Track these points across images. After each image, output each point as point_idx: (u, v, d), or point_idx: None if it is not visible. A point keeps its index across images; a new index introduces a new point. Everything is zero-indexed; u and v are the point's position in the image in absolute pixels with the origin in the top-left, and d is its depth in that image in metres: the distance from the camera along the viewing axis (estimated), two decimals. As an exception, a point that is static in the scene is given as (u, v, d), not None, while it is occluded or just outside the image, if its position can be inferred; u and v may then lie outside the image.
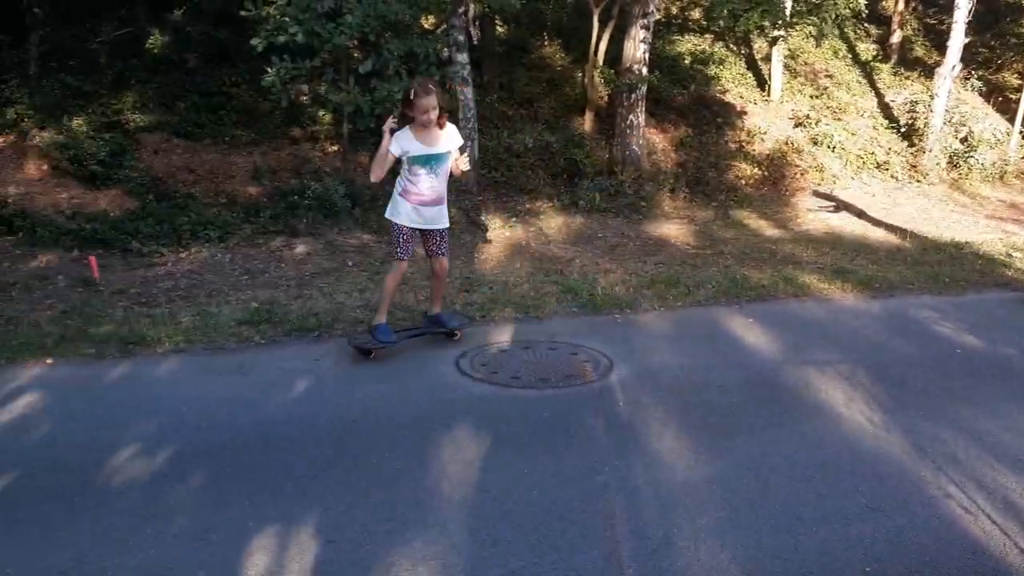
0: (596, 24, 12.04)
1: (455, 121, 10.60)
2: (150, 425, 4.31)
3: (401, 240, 5.29)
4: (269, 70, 8.54)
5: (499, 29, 13.93)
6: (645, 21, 11.47)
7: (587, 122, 12.42)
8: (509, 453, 4.01)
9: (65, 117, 10.04)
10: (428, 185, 5.19)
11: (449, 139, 5.21)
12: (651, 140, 12.46)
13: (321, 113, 10.92)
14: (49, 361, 5.25)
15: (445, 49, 10.22)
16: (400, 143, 5.07)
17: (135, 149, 10.03)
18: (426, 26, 11.59)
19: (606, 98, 12.71)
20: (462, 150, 5.32)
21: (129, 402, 4.65)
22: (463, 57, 10.27)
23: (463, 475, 3.77)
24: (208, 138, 10.65)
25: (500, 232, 9.20)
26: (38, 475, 3.77)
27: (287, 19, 8.36)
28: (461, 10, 10.18)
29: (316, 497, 3.57)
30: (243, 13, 8.54)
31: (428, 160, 5.14)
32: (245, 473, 3.81)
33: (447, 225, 5.41)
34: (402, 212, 5.25)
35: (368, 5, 8.46)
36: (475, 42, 11.07)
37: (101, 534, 3.28)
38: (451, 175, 5.36)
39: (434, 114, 5.00)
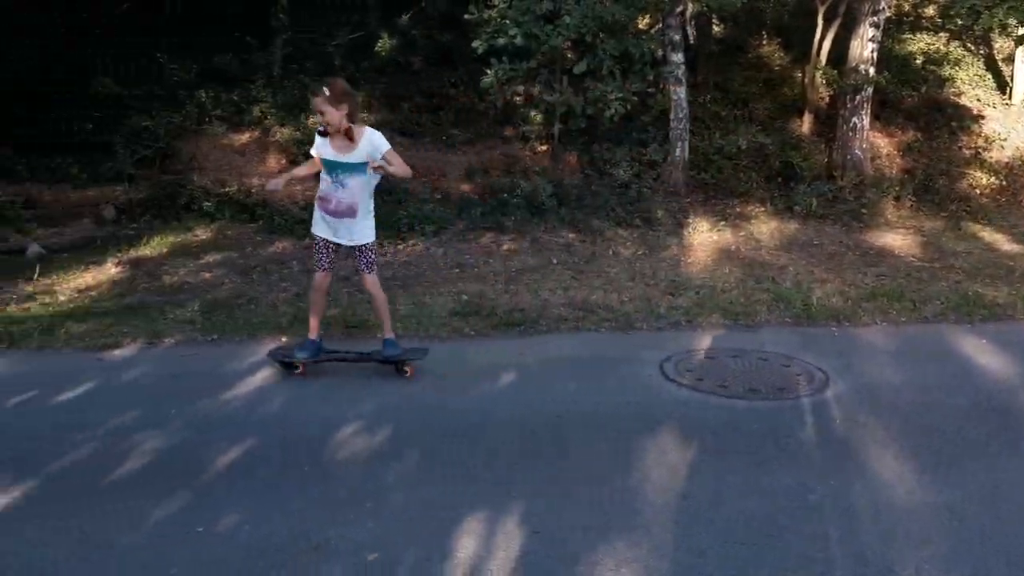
0: (820, 22, 11.49)
1: (665, 121, 10.60)
2: (368, 405, 4.59)
3: (315, 250, 5.07)
4: (488, 72, 8.83)
5: (715, 28, 13.62)
6: (875, 19, 10.81)
7: (805, 124, 11.88)
8: (716, 463, 3.92)
9: (302, 115, 10.86)
10: (334, 195, 4.82)
11: (362, 150, 4.72)
12: (875, 144, 11.73)
13: (532, 113, 11.14)
14: (283, 339, 5.70)
15: (660, 49, 10.13)
16: (317, 143, 4.85)
17: (362, 146, 10.69)
18: (640, 26, 11.53)
19: (827, 99, 12.09)
20: (390, 157, 4.73)
21: (351, 382, 4.97)
22: (678, 57, 10.13)
23: (667, 481, 3.73)
24: (427, 137, 11.17)
25: (708, 235, 9.00)
26: (273, 446, 4.10)
27: (507, 22, 8.61)
28: (679, 9, 10.04)
29: (521, 488, 3.65)
30: (467, 16, 8.89)
31: (331, 168, 4.79)
32: (454, 458, 3.96)
33: (364, 242, 4.94)
34: (316, 220, 5.01)
35: (586, 6, 8.55)
36: (691, 41, 10.88)
37: (326, 506, 3.52)
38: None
39: (322, 117, 4.69)
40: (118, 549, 3.16)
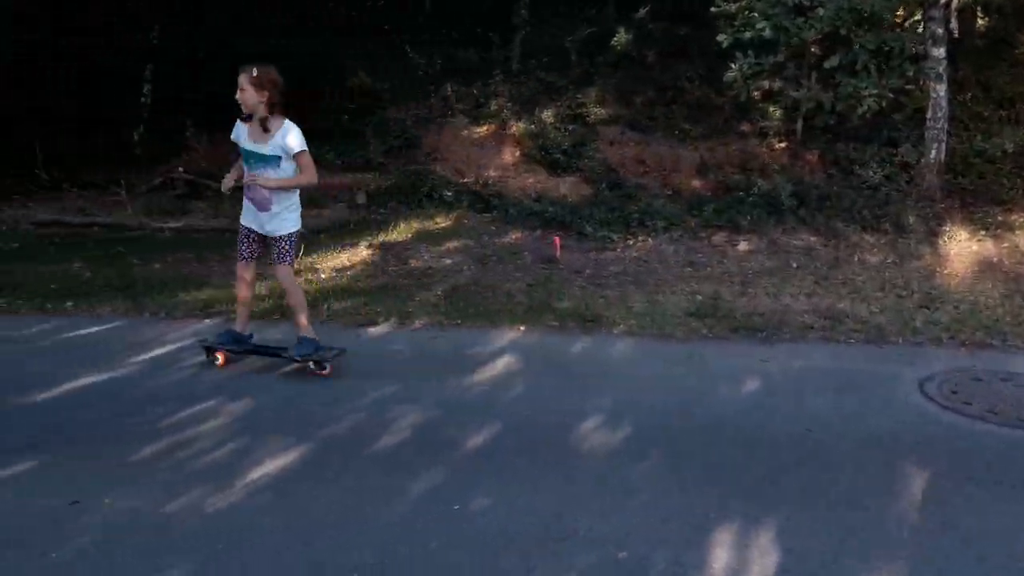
0: (1110, 12, 10.24)
1: (920, 121, 9.82)
2: (607, 399, 4.60)
3: (238, 239, 4.93)
4: (732, 66, 8.59)
5: (979, 21, 12.48)
6: None
7: (1083, 127, 10.63)
8: (988, 496, 3.58)
9: (537, 109, 11.11)
10: (251, 184, 4.73)
11: (275, 143, 4.63)
12: None
13: (771, 109, 10.73)
14: (521, 328, 5.86)
15: (919, 43, 9.42)
16: (236, 129, 4.74)
17: (594, 140, 10.77)
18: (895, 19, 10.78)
19: (1111, 99, 10.77)
20: (298, 158, 4.68)
21: (589, 375, 5.03)
22: (939, 52, 9.37)
23: (933, 511, 3.45)
24: (659, 131, 11.06)
25: (966, 245, 8.27)
26: (512, 432, 4.21)
27: (755, 14, 8.33)
28: (943, 1, 9.28)
29: (775, 501, 3.51)
30: (712, 9, 8.68)
31: (246, 157, 4.70)
32: (701, 462, 3.89)
33: (278, 233, 4.81)
34: (244, 208, 4.88)
35: (842, -3, 8.12)
36: (955, 35, 10.03)
37: (569, 495, 3.56)
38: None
39: (240, 95, 4.56)
40: (374, 524, 3.33)
